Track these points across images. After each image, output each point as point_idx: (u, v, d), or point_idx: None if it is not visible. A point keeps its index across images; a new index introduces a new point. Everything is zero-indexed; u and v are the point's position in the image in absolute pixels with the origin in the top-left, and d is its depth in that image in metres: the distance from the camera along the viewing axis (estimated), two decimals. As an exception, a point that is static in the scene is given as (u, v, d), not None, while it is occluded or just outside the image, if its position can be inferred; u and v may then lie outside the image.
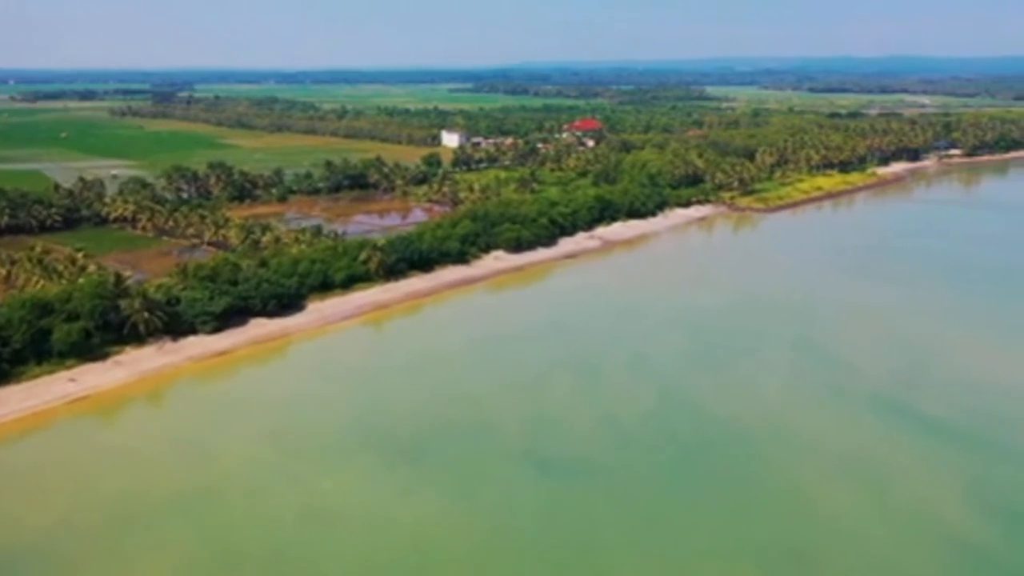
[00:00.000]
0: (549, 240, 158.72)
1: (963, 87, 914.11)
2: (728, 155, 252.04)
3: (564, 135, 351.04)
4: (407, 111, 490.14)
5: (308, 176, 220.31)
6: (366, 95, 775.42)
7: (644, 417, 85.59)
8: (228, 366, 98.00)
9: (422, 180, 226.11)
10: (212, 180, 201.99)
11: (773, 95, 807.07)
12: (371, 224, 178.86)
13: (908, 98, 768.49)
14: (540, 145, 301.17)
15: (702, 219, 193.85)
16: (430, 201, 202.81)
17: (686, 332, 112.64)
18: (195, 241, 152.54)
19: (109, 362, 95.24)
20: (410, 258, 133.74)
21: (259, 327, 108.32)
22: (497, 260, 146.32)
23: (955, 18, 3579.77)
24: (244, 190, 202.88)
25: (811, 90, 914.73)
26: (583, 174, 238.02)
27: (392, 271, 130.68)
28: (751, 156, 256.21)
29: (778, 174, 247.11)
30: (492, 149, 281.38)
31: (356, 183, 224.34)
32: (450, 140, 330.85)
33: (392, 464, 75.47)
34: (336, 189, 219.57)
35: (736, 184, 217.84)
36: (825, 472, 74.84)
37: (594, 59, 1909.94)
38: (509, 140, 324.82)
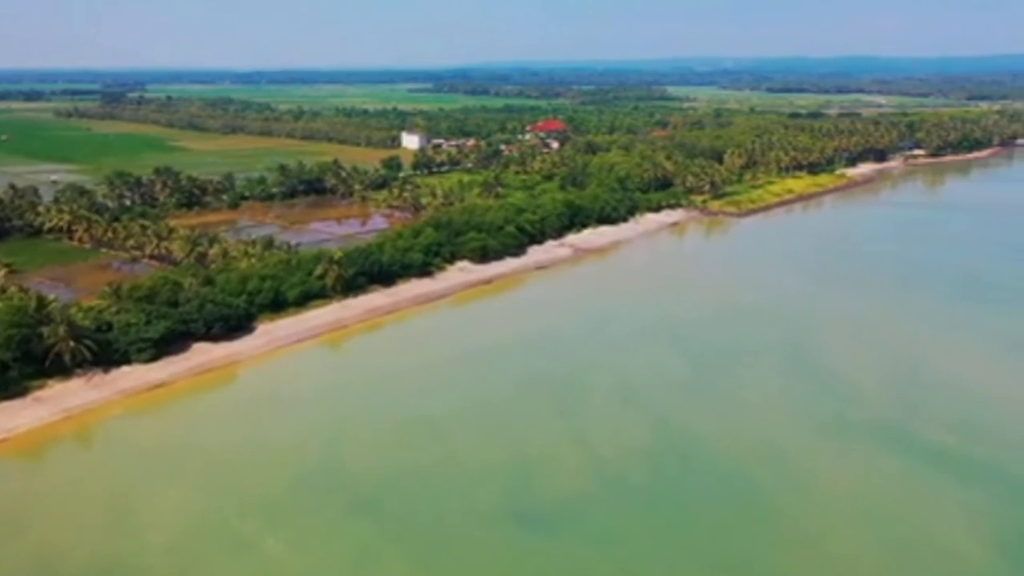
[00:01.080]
0: (517, 249, 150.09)
1: (916, 87, 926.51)
2: (695, 157, 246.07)
3: (527, 136, 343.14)
4: (365, 112, 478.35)
5: (261, 181, 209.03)
6: (323, 95, 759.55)
7: (630, 453, 77.30)
8: (165, 400, 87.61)
9: (382, 184, 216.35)
10: (158, 186, 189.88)
11: (733, 95, 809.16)
12: (328, 232, 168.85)
13: (865, 98, 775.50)
14: (503, 147, 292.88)
15: (674, 224, 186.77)
16: (390, 207, 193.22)
17: (670, 351, 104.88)
18: (136, 254, 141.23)
19: (29, 399, 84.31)
20: (370, 272, 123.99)
21: (202, 353, 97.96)
22: (463, 272, 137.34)
23: (903, 19, 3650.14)
24: (192, 196, 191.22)
25: (769, 90, 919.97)
26: (549, 177, 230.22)
27: (350, 286, 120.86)
28: (719, 158, 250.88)
29: (748, 176, 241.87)
30: (454, 151, 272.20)
31: (312, 188, 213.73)
32: (410, 142, 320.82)
33: (351, 518, 66.28)
34: (291, 195, 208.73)
35: (707, 187, 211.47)
36: (828, 510, 67.49)
37: (553, 59, 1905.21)
38: (471, 142, 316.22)
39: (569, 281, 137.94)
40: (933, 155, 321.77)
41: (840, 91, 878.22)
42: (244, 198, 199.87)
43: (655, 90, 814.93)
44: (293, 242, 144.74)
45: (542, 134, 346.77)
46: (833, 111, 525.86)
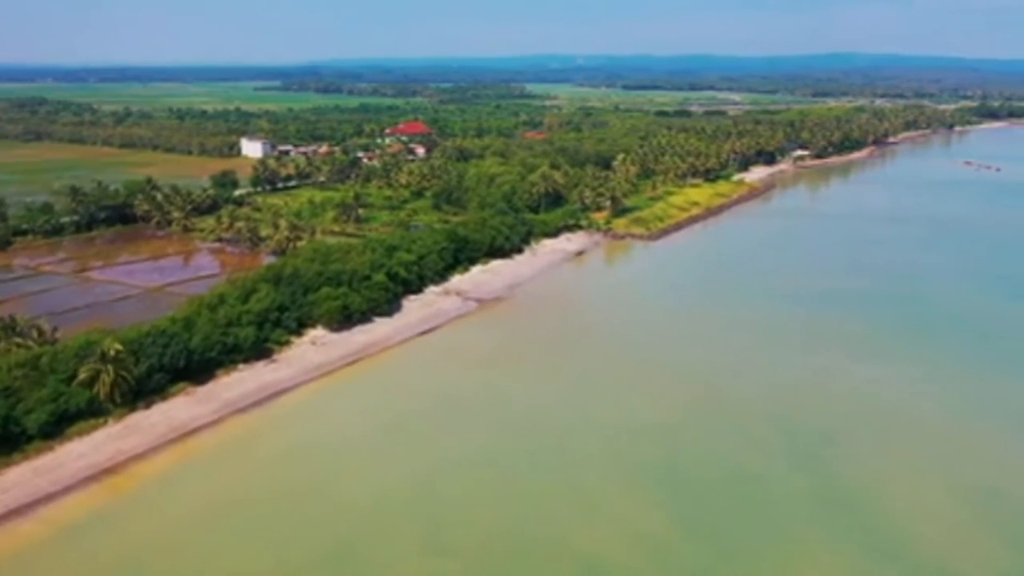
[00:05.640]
0: (390, 304, 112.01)
1: (762, 84, 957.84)
2: (582, 164, 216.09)
3: (388, 141, 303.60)
4: (204, 113, 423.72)
5: (47, 209, 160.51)
6: (158, 94, 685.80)
7: None
8: None
9: (212, 207, 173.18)
10: None
11: (591, 92, 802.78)
12: (133, 282, 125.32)
13: (719, 95, 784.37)
14: (362, 155, 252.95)
15: (579, 254, 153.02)
16: (220, 240, 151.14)
17: (636, 489, 68.69)
18: None
19: None
20: (172, 365, 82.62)
21: None
22: (316, 347, 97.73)
23: (734, 20, 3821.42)
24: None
25: (625, 87, 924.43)
26: (419, 193, 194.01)
27: (141, 391, 79.42)
28: (606, 164, 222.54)
29: (646, 186, 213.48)
30: (303, 162, 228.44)
31: (120, 216, 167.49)
32: (252, 150, 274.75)
33: None
34: (89, 225, 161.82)
35: (608, 203, 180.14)
36: None
37: (405, 55, 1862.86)
38: (324, 148, 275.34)
39: (465, 352, 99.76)
40: (818, 156, 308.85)
41: (693, 88, 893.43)
42: (21, 233, 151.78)
43: (514, 87, 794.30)
44: (77, 303, 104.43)
45: (404, 138, 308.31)
46: (695, 108, 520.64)
